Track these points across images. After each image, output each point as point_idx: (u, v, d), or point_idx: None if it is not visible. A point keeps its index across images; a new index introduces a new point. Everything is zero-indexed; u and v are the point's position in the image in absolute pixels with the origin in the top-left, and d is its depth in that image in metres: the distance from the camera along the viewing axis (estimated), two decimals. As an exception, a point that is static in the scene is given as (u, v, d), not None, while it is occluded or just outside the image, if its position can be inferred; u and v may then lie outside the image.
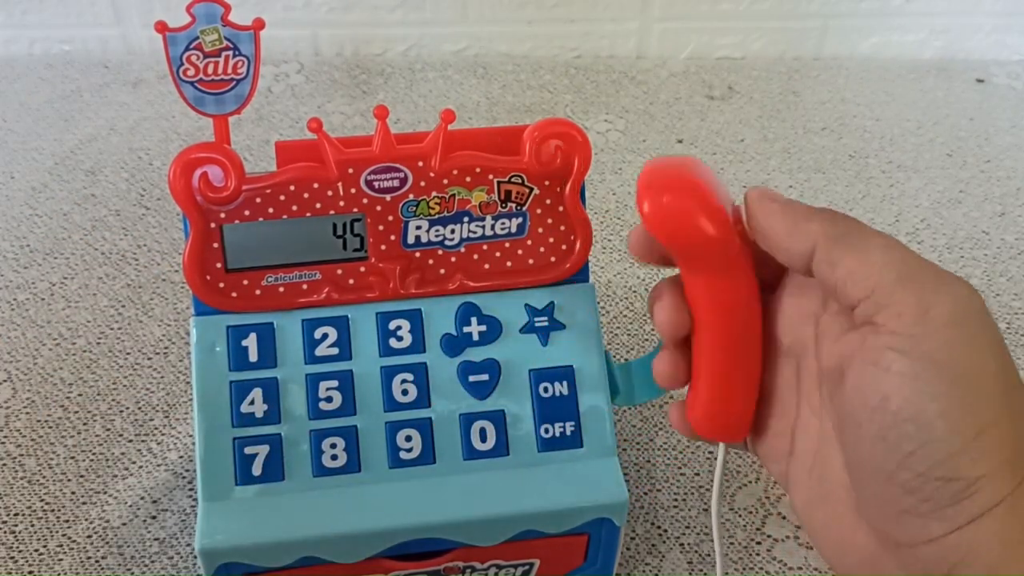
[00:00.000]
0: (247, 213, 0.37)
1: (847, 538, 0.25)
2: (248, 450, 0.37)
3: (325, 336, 0.39)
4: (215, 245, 0.38)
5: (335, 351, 0.39)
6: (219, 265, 0.38)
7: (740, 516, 0.48)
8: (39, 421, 0.52)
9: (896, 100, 0.78)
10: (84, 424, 0.52)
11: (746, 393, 0.35)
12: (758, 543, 0.47)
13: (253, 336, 0.38)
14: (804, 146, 0.73)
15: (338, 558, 0.37)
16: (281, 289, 0.39)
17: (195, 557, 0.44)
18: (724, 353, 0.34)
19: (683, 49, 0.83)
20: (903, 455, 0.21)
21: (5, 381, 0.54)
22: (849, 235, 0.25)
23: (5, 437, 0.51)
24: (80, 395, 0.53)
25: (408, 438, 0.38)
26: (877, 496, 0.23)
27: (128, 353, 0.55)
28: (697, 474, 0.50)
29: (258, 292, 0.38)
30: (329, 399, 0.38)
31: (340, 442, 0.38)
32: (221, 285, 0.38)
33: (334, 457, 0.38)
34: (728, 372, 0.34)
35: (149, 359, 0.55)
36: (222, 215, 0.37)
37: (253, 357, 0.38)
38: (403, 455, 0.38)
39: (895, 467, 0.21)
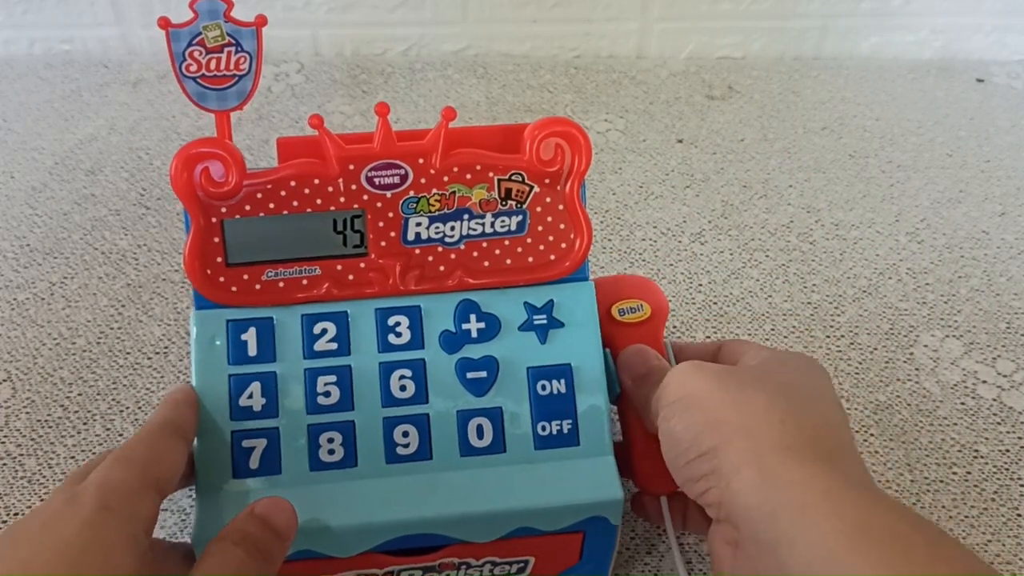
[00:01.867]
0: (248, 208, 0.38)
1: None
2: (246, 443, 0.37)
3: (324, 331, 0.39)
4: (216, 240, 0.38)
5: (334, 346, 0.39)
6: (219, 259, 0.38)
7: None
8: (39, 421, 0.52)
9: (896, 100, 0.78)
10: (84, 424, 0.52)
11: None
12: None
13: (252, 330, 0.38)
14: (804, 146, 0.73)
15: (333, 552, 0.37)
16: (281, 284, 0.39)
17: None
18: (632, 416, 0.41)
19: (683, 49, 0.83)
20: (677, 455, 0.35)
21: (5, 381, 0.54)
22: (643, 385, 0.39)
23: (5, 437, 0.51)
24: (80, 395, 0.53)
25: (405, 434, 0.38)
26: (677, 476, 0.36)
27: (128, 353, 0.55)
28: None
29: (258, 287, 0.39)
30: (327, 394, 0.38)
31: (337, 437, 0.38)
32: (221, 279, 0.38)
33: (331, 451, 0.38)
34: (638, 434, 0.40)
35: (149, 359, 0.55)
36: (223, 210, 0.37)
37: (252, 351, 0.38)
38: (400, 451, 0.38)
39: (678, 463, 0.36)
